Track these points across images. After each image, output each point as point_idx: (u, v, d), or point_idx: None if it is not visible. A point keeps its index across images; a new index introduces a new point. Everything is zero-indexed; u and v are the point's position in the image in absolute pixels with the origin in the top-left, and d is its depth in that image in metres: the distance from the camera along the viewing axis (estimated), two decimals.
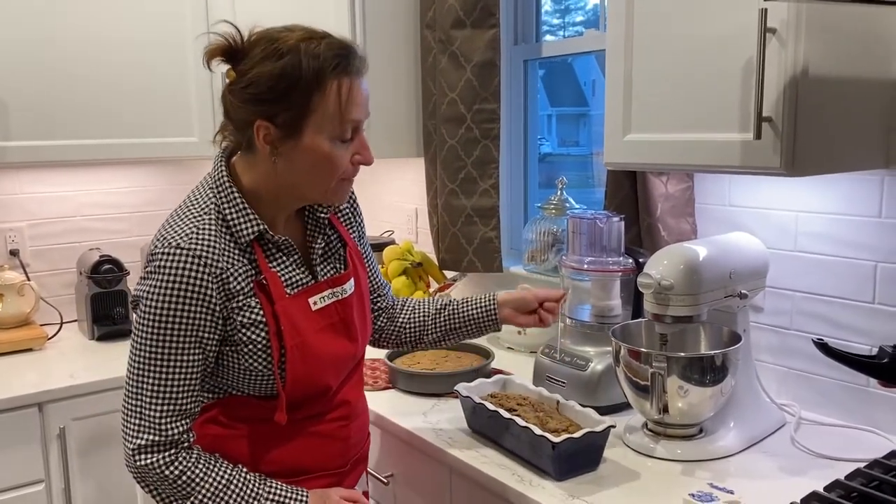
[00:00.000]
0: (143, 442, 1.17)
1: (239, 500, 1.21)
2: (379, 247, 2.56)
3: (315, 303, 1.28)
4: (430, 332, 1.54)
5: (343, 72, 1.16)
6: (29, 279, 2.40)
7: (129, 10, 2.27)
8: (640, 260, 1.70)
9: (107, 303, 2.35)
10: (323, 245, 1.33)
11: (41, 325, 2.36)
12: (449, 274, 2.44)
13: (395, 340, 1.57)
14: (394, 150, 2.49)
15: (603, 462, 1.42)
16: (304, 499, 1.24)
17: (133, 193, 2.68)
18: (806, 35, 1.22)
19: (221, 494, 1.20)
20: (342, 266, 1.35)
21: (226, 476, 1.21)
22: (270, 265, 1.24)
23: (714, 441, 1.47)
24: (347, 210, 1.43)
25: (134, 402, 1.19)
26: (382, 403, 1.76)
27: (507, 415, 1.44)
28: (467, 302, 1.53)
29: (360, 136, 1.22)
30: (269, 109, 1.16)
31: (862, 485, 1.24)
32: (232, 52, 1.19)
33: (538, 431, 1.37)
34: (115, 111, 2.28)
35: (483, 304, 1.51)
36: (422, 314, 1.55)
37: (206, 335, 1.18)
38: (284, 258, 1.26)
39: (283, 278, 1.25)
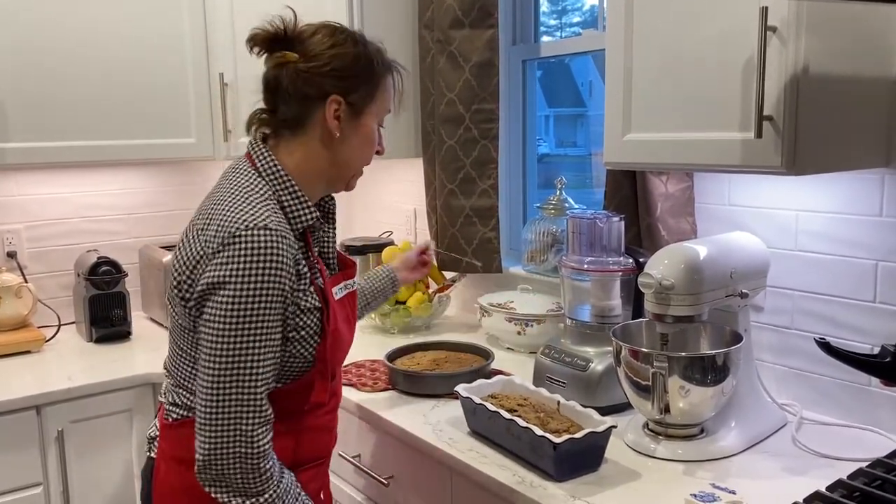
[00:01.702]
0: (249, 425, 1.16)
1: (296, 498, 1.23)
2: (378, 247, 2.56)
3: (336, 293, 1.33)
4: None
5: (397, 70, 1.34)
6: (26, 281, 2.40)
7: (127, 12, 2.27)
8: (641, 260, 1.70)
9: (105, 305, 2.34)
10: (333, 236, 1.39)
11: (39, 328, 2.35)
12: (448, 274, 2.43)
13: None
14: (392, 151, 2.46)
15: (604, 463, 1.42)
16: None
17: (131, 195, 2.67)
18: (807, 33, 1.22)
19: (284, 495, 1.21)
20: (346, 262, 1.43)
21: (289, 482, 1.23)
22: (317, 255, 1.32)
23: (715, 441, 1.47)
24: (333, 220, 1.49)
25: (229, 388, 1.15)
26: (382, 404, 1.75)
27: (507, 416, 1.44)
28: (371, 279, 1.80)
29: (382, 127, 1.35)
30: (348, 86, 1.26)
31: (864, 484, 1.23)
32: (284, 38, 1.25)
33: (539, 432, 1.36)
34: (112, 113, 2.28)
35: (383, 276, 1.82)
36: None
37: (285, 314, 1.20)
38: (317, 248, 1.33)
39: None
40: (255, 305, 1.14)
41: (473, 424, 1.58)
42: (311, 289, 1.24)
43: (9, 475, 1.90)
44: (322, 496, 1.45)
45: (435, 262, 2.43)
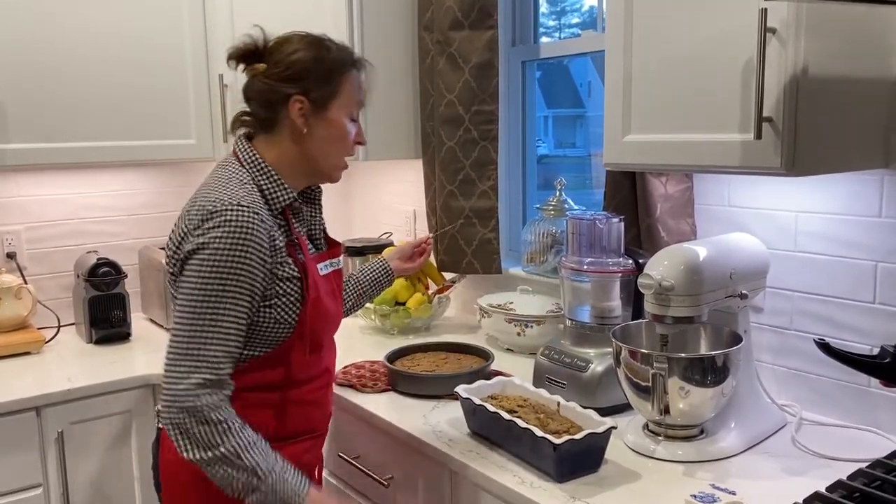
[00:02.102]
0: (198, 381, 1.25)
1: (260, 458, 1.28)
2: (378, 248, 2.56)
3: (321, 269, 1.46)
4: (346, 302, 1.78)
5: (360, 66, 1.46)
6: (26, 282, 2.39)
7: (126, 12, 2.27)
8: (640, 261, 1.70)
9: (105, 306, 2.33)
10: (319, 220, 1.53)
11: (38, 329, 2.35)
12: (448, 275, 2.43)
13: None
14: (392, 152, 2.49)
15: (604, 463, 1.42)
16: (306, 486, 1.32)
17: (131, 196, 2.67)
18: (806, 35, 1.22)
19: (248, 448, 1.27)
20: (332, 242, 1.55)
21: (253, 437, 1.30)
22: (298, 231, 1.43)
23: (715, 442, 1.47)
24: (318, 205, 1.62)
25: (188, 343, 1.26)
26: (382, 406, 1.75)
27: (507, 417, 1.44)
28: (365, 270, 1.86)
29: (358, 121, 1.47)
30: (307, 86, 1.38)
31: (864, 485, 1.24)
32: (256, 51, 1.40)
33: (539, 433, 1.36)
34: (113, 113, 2.28)
35: (378, 267, 1.87)
36: None
37: (257, 284, 1.31)
38: (302, 229, 1.46)
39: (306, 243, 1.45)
40: (225, 270, 1.27)
41: (473, 425, 1.58)
42: (290, 260, 1.37)
43: (8, 477, 1.90)
44: (316, 474, 1.56)
45: (432, 259, 2.43)
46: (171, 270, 1.36)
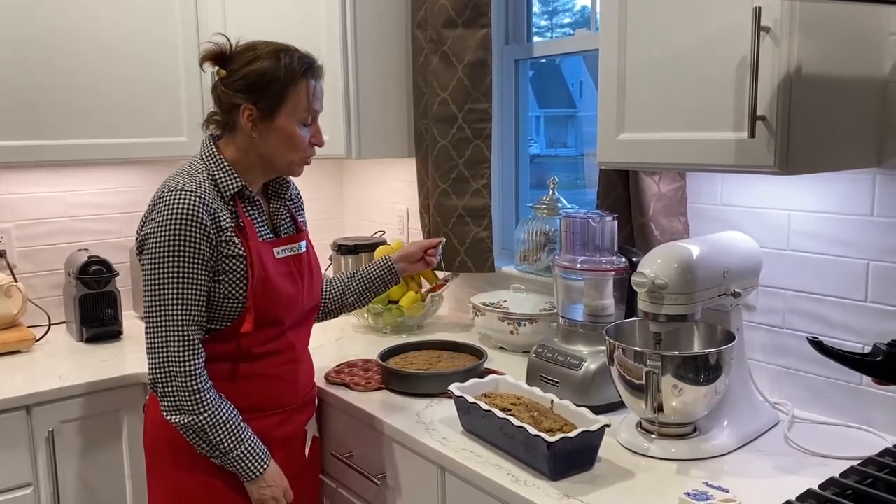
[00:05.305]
0: (172, 348, 1.45)
1: (225, 436, 1.49)
2: (370, 247, 2.55)
3: (278, 252, 1.61)
4: (348, 297, 1.91)
5: (311, 75, 1.56)
6: (16, 280, 2.38)
7: (118, 10, 2.26)
8: (634, 259, 1.70)
9: (95, 304, 2.32)
10: (284, 211, 1.68)
11: (29, 327, 2.33)
12: (440, 274, 2.43)
13: (322, 311, 1.88)
14: (385, 150, 2.48)
15: (598, 462, 1.42)
16: (267, 462, 1.55)
17: (122, 194, 2.66)
18: (800, 33, 1.22)
19: (217, 426, 1.48)
20: (296, 230, 1.71)
21: (226, 414, 1.50)
22: (247, 216, 1.58)
23: (708, 440, 1.47)
24: (297, 202, 1.77)
25: (157, 314, 1.46)
26: (375, 404, 1.75)
27: (501, 415, 1.44)
28: (370, 267, 1.92)
29: (316, 123, 1.60)
30: (254, 96, 1.52)
31: (856, 482, 1.24)
32: (223, 56, 1.55)
33: (533, 431, 1.36)
34: (104, 111, 2.26)
35: (382, 266, 1.91)
36: (339, 286, 1.91)
37: (206, 256, 1.48)
38: (256, 215, 1.61)
39: (256, 227, 1.59)
40: (172, 245, 1.45)
41: (467, 424, 1.58)
42: (237, 240, 1.52)
43: None
44: (308, 447, 1.74)
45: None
46: (137, 253, 1.54)
